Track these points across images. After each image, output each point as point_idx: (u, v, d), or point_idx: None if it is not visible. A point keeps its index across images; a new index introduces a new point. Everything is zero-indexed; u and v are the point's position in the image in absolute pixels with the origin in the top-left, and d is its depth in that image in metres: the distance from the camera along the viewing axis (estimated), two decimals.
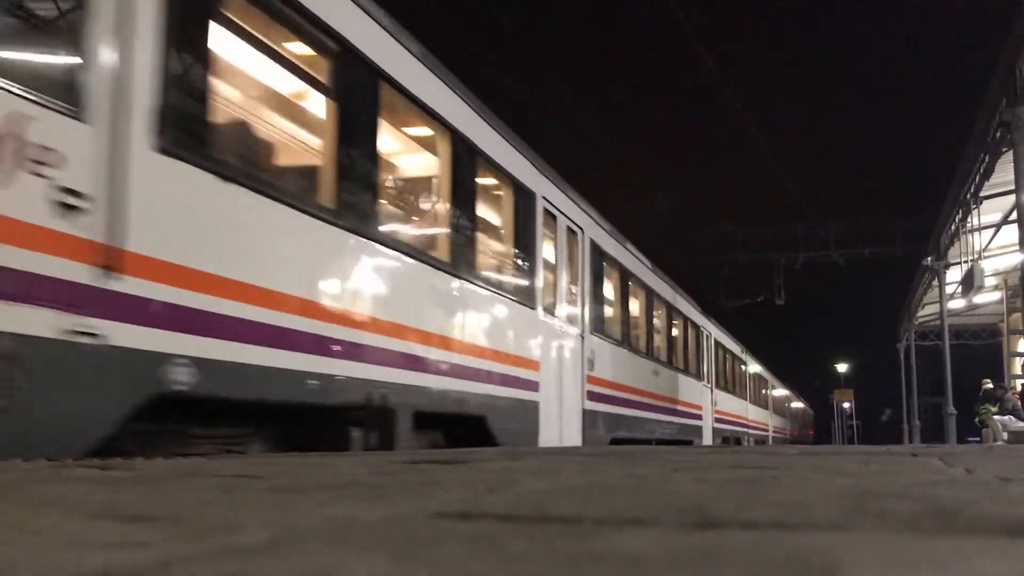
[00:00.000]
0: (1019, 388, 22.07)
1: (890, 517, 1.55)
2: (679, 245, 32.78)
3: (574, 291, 11.13)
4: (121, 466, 3.13)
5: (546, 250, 10.25)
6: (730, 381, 26.32)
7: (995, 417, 19.81)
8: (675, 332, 18.16)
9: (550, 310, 10.08)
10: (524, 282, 9.37)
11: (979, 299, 22.00)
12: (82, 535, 1.33)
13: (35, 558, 1.10)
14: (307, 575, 0.99)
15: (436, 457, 4.29)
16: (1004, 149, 13.43)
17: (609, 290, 13.40)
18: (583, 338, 11.11)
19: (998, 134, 13.54)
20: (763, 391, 37.04)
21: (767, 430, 36.81)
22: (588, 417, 11.09)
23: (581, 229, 11.45)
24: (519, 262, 9.32)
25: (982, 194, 15.81)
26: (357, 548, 1.21)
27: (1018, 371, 24.99)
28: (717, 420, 22.41)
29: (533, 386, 9.31)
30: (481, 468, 3.23)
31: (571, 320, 10.83)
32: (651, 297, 15.90)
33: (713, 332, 22.76)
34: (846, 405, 55.08)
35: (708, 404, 21.23)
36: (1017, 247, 13.48)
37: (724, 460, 4.08)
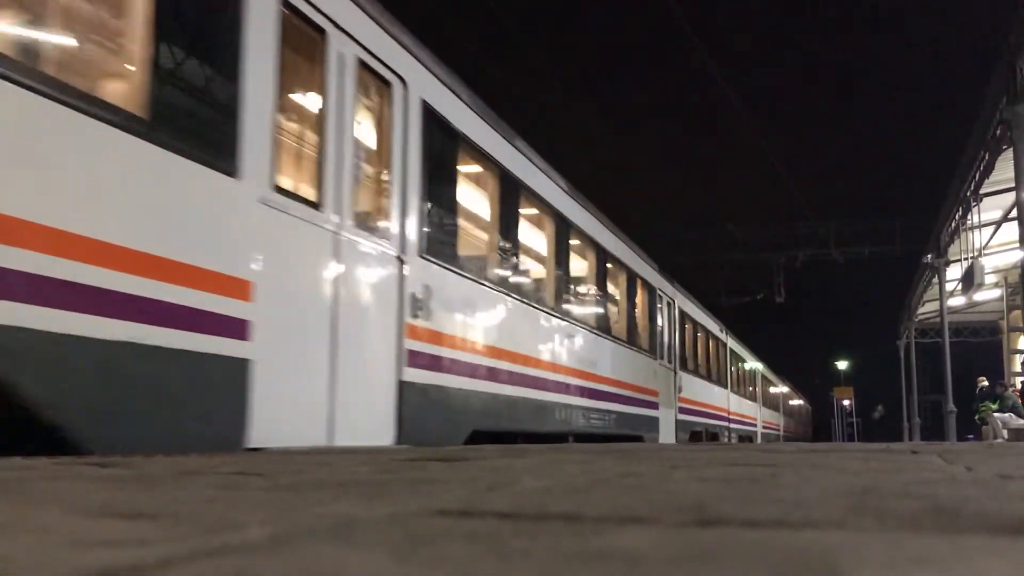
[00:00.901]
0: (1019, 385, 22.07)
1: (890, 515, 1.55)
2: (680, 244, 32.81)
3: (382, 180, 7.01)
4: (121, 464, 3.13)
5: (294, 83, 6.27)
6: (705, 365, 22.31)
7: (995, 414, 19.82)
8: (612, 289, 13.83)
9: (298, 193, 6.00)
10: (199, 123, 4.94)
11: (979, 296, 22.00)
12: (82, 533, 1.33)
13: (35, 555, 1.10)
14: (308, 573, 0.99)
15: (436, 455, 4.29)
16: (1004, 147, 13.45)
17: (469, 194, 9.16)
18: (401, 263, 6.95)
19: (998, 131, 13.56)
20: (753, 382, 34.00)
21: (755, 425, 33.55)
22: (410, 394, 6.93)
23: (402, 80, 7.10)
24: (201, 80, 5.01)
25: (982, 191, 15.82)
26: (358, 546, 1.21)
27: (1018, 368, 25.00)
28: (684, 411, 18.75)
29: (230, 328, 5.01)
30: (481, 466, 3.23)
31: (367, 224, 6.70)
32: (564, 229, 11.27)
33: (678, 301, 18.65)
34: (846, 402, 55.10)
35: (669, 390, 17.44)
36: (1017, 244, 13.49)
37: (723, 458, 4.09)
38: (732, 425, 26.67)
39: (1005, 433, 18.89)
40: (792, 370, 53.45)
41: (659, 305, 16.86)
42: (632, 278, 14.84)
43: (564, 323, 11.07)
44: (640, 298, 15.50)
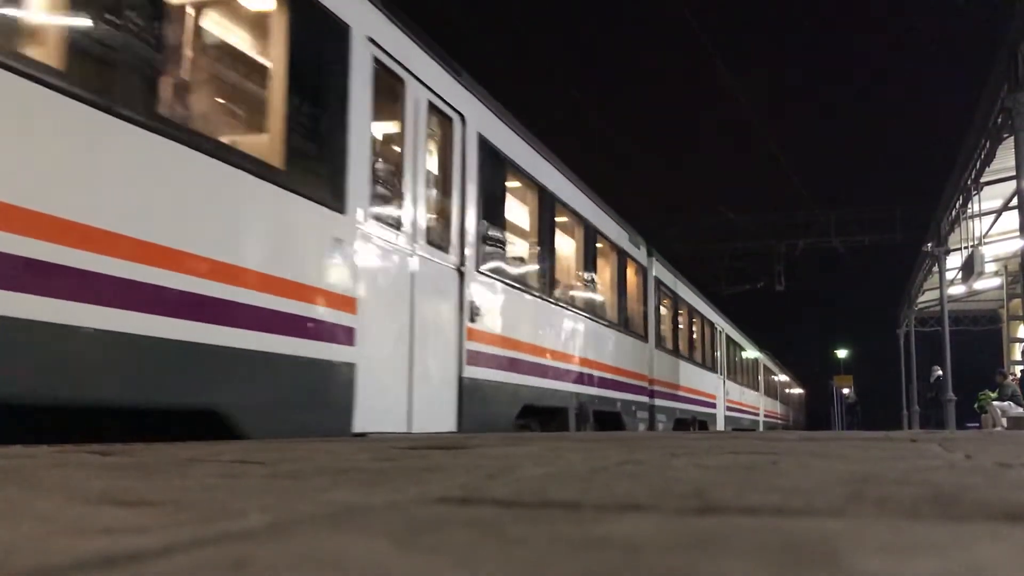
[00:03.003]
0: (1019, 374, 22.11)
1: (890, 503, 1.56)
2: (680, 232, 32.80)
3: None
4: (122, 452, 3.14)
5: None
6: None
7: (994, 403, 19.86)
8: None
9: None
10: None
11: (979, 285, 22.02)
12: (83, 520, 1.33)
13: (36, 543, 1.11)
14: (308, 560, 0.99)
15: (436, 443, 4.30)
16: (1005, 135, 13.41)
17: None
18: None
19: (999, 120, 13.52)
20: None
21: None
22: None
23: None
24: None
25: (983, 180, 15.80)
26: (358, 533, 1.21)
27: (1017, 357, 25.04)
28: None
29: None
30: (481, 454, 3.23)
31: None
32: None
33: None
34: (845, 391, 55.18)
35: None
36: (1018, 233, 13.47)
37: (724, 446, 4.09)
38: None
39: (1004, 421, 18.92)
40: (792, 358, 53.53)
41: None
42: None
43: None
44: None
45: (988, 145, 14.57)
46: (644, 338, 15.48)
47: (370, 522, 1.34)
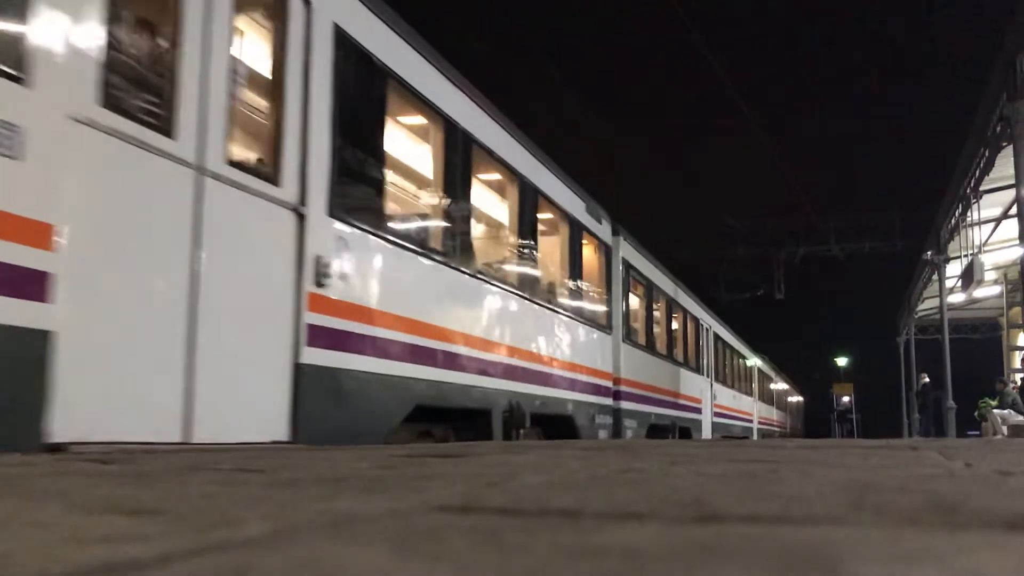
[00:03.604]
0: (1019, 382, 22.09)
1: (890, 511, 1.56)
2: (680, 239, 32.83)
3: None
4: (121, 459, 3.13)
5: None
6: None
7: (994, 411, 19.84)
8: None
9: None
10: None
11: (979, 293, 21.97)
12: (83, 528, 1.33)
13: (36, 551, 1.11)
14: (308, 568, 0.99)
15: (435, 451, 4.30)
16: (1004, 143, 13.44)
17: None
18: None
19: (998, 128, 13.54)
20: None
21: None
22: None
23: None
24: None
25: (982, 188, 15.82)
26: (357, 541, 1.21)
27: (1017, 365, 25.01)
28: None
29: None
30: (481, 462, 3.23)
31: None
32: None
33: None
34: (845, 399, 55.14)
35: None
36: (1017, 241, 13.49)
37: (723, 454, 4.09)
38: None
39: (1005, 429, 18.90)
40: (791, 366, 53.48)
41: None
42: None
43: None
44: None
45: (987, 153, 14.59)
46: (607, 329, 13.07)
47: (370, 530, 1.34)
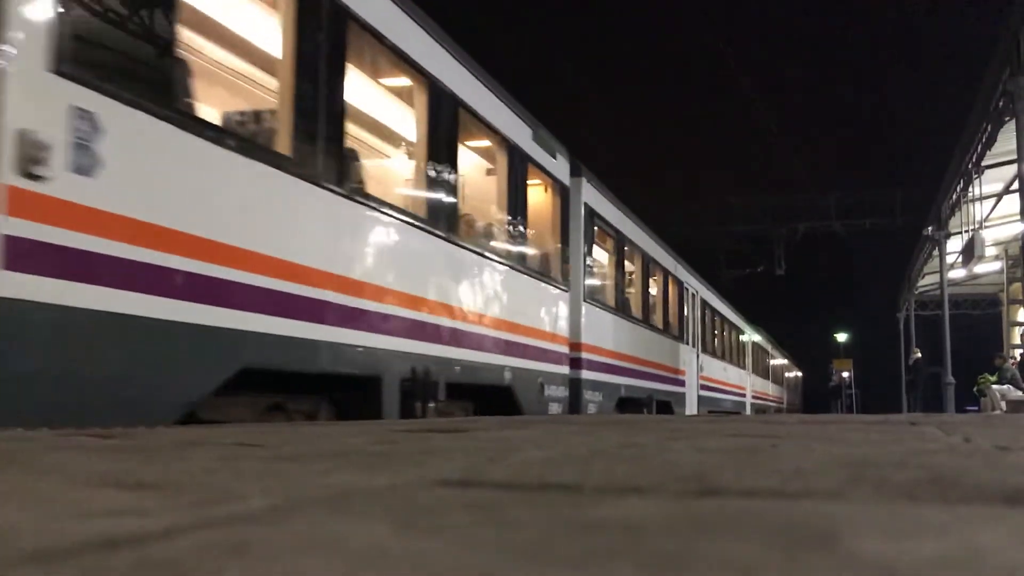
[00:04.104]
0: (1018, 358, 22.13)
1: (889, 486, 1.56)
2: (680, 215, 32.79)
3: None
4: (122, 435, 3.14)
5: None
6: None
7: (993, 387, 19.88)
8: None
9: None
10: None
11: (979, 269, 21.99)
12: (84, 503, 1.33)
13: (38, 526, 1.11)
14: (309, 542, 0.99)
15: (436, 426, 4.31)
16: (1007, 119, 13.39)
17: None
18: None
19: (1001, 104, 13.49)
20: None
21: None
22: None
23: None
24: None
25: (984, 164, 15.77)
26: (358, 516, 1.22)
27: (1017, 341, 25.05)
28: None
29: None
30: (482, 437, 3.24)
31: None
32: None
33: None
34: (845, 374, 55.28)
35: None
36: (1018, 217, 13.47)
37: (724, 429, 4.10)
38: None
39: (1004, 405, 18.95)
40: (792, 342, 53.56)
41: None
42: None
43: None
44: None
45: (989, 129, 14.53)
46: (562, 286, 10.90)
47: (371, 505, 1.34)
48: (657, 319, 16.65)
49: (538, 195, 10.71)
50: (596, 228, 12.68)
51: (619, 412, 13.10)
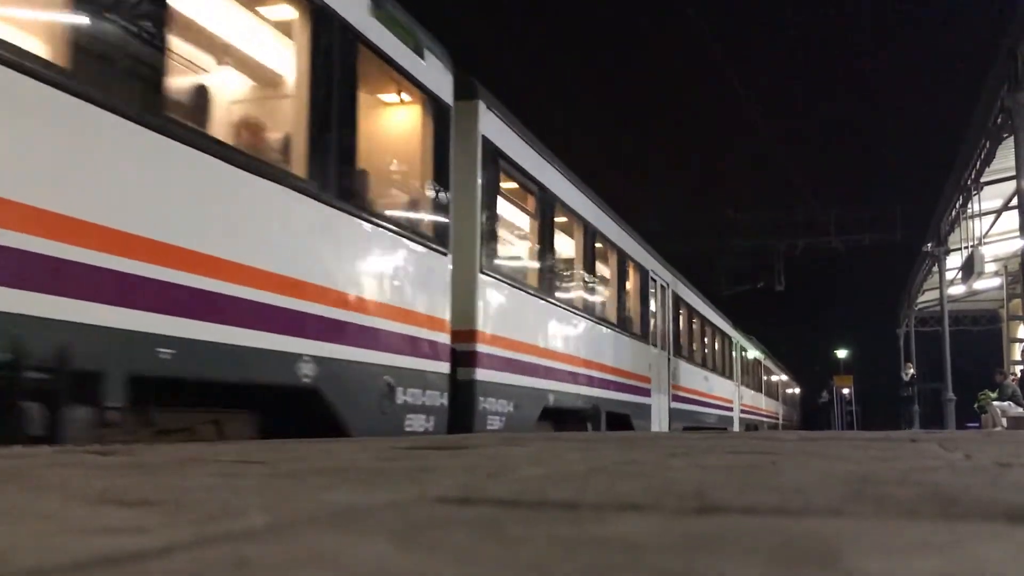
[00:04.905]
0: (1019, 374, 22.11)
1: (889, 503, 1.56)
2: (680, 231, 32.83)
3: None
4: (122, 451, 3.14)
5: None
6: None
7: (994, 403, 19.85)
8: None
9: None
10: None
11: (979, 285, 22.00)
12: (83, 520, 1.33)
13: (37, 543, 1.11)
14: (309, 560, 0.99)
15: (435, 443, 4.30)
16: (1005, 135, 13.42)
17: None
18: None
19: (999, 120, 13.52)
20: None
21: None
22: None
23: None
24: None
25: (983, 180, 15.80)
26: (358, 532, 1.22)
27: (1017, 357, 25.03)
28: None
29: None
30: (481, 454, 3.24)
31: None
32: None
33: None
34: (845, 391, 55.19)
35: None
36: (1018, 233, 13.47)
37: (723, 445, 4.09)
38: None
39: (1004, 421, 18.92)
40: (791, 357, 53.47)
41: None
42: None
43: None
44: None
45: (988, 145, 14.57)
46: (438, 246, 7.59)
47: (370, 522, 1.34)
48: (609, 311, 13.20)
49: (388, 107, 7.61)
50: (503, 176, 9.26)
51: (550, 427, 10.44)
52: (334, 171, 6.09)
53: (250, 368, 5.24)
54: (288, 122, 6.08)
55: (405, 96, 7.56)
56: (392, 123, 7.71)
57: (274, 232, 5.52)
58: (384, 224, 6.82)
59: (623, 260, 13.93)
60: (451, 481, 2.02)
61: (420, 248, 7.35)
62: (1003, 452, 3.50)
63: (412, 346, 7.14)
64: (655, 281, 16.09)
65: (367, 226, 6.56)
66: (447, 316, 7.75)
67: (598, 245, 12.74)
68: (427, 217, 7.60)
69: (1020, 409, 19.29)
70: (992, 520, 1.34)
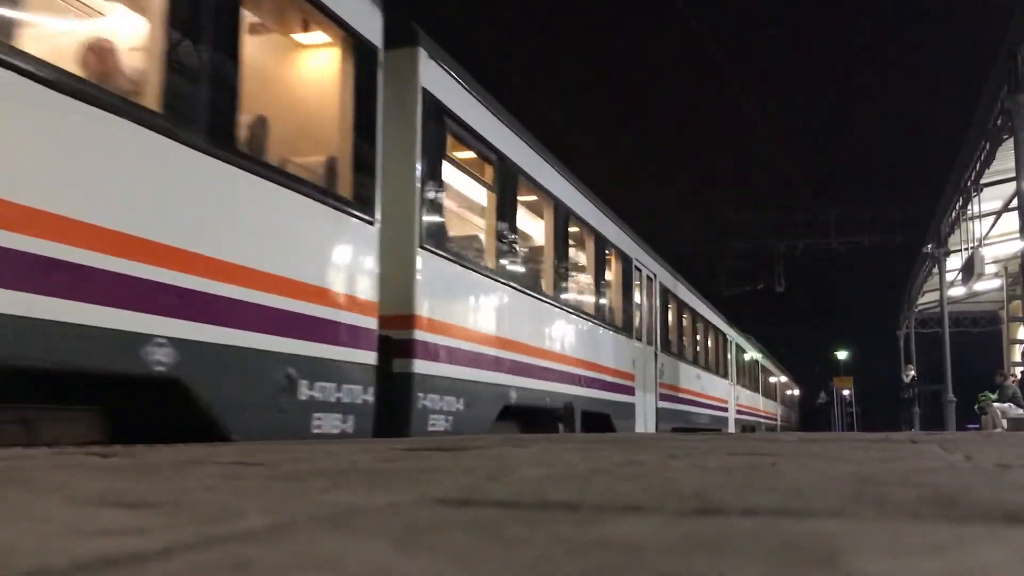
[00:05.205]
0: (1019, 375, 22.11)
1: (890, 504, 1.56)
2: (680, 232, 32.84)
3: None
4: (121, 453, 3.14)
5: None
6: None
7: (994, 404, 19.85)
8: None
9: None
10: None
11: (979, 287, 22.01)
12: (83, 522, 1.33)
13: (36, 544, 1.11)
14: (309, 561, 0.99)
15: (436, 444, 4.30)
16: (1005, 136, 13.44)
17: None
18: None
19: (999, 121, 13.53)
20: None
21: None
22: None
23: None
24: None
25: (983, 181, 15.81)
26: (358, 534, 1.21)
27: (1017, 358, 25.05)
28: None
29: None
30: (481, 455, 3.23)
31: None
32: None
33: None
34: (846, 392, 55.19)
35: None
36: (1017, 234, 13.48)
37: (723, 447, 4.09)
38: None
39: (1004, 423, 18.92)
40: (792, 359, 53.47)
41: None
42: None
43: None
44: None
45: (988, 146, 14.58)
46: (363, 212, 6.28)
47: (370, 523, 1.34)
48: (585, 300, 12.03)
49: (285, 39, 6.41)
50: (454, 140, 8.09)
51: (514, 428, 9.48)
52: (206, 108, 4.77)
53: (73, 353, 3.88)
54: (144, 46, 4.78)
55: (313, 27, 6.23)
56: (295, 61, 6.42)
57: (112, 176, 4.19)
58: (279, 179, 5.43)
59: (602, 246, 12.77)
60: (451, 482, 2.02)
61: (332, 213, 5.94)
62: (1003, 453, 3.50)
63: (322, 331, 5.77)
64: (640, 271, 14.87)
65: (255, 179, 5.18)
66: (373, 297, 6.34)
67: (572, 228, 11.54)
68: (342, 178, 6.18)
69: (1020, 410, 19.28)
70: (992, 521, 1.34)
